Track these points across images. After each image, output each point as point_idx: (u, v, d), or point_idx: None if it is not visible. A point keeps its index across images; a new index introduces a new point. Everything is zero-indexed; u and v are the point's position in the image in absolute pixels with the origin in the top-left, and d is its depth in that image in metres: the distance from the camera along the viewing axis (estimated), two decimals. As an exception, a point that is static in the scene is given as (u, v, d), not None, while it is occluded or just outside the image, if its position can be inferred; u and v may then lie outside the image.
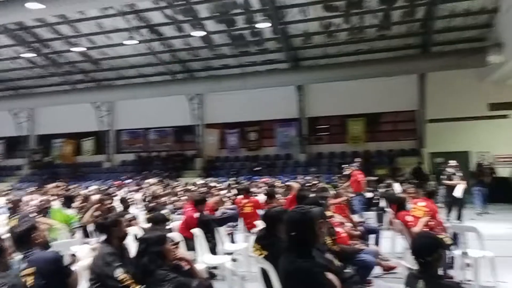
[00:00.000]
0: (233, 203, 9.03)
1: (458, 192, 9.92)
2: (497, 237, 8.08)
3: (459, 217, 10.13)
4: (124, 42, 18.53)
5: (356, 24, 17.40)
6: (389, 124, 20.90)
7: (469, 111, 18.43)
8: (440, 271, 4.15)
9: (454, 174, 10.32)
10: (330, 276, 2.47)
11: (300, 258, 2.44)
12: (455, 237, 5.51)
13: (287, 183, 10.82)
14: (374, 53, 18.67)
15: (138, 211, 7.78)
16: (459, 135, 18.43)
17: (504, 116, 17.97)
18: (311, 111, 21.03)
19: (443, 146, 18.28)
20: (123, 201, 7.66)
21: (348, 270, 4.36)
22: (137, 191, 13.03)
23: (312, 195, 5.80)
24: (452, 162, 11.16)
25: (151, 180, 16.32)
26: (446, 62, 16.59)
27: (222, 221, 6.67)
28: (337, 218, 5.18)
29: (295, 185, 7.93)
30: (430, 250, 2.41)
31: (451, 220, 9.39)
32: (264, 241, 3.35)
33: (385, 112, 20.39)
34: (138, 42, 18.62)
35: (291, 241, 2.47)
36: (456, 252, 5.21)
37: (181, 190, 11.57)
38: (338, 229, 4.84)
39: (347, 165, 12.15)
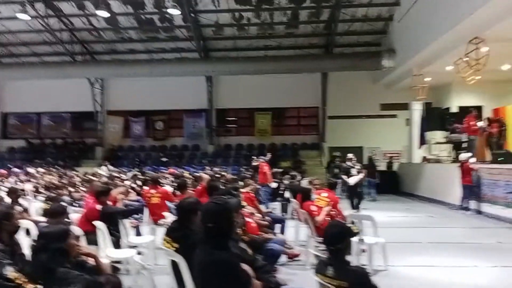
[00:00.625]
0: (138, 194, 8.66)
1: (352, 180, 10.72)
2: (387, 225, 8.93)
3: (357, 207, 11.01)
4: (17, 16, 16.48)
5: (266, 20, 17.82)
6: (294, 119, 21.89)
7: (364, 110, 20.13)
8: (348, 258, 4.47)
9: (353, 167, 11.09)
10: (245, 266, 2.49)
11: (217, 250, 2.41)
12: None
13: (196, 174, 10.70)
14: (282, 49, 19.33)
15: (28, 203, 7.04)
16: (354, 132, 20.03)
17: (393, 116, 19.95)
18: (220, 103, 21.07)
19: (340, 141, 19.71)
20: (12, 192, 6.85)
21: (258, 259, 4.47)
22: (27, 181, 11.78)
23: (223, 186, 5.80)
24: (350, 155, 12.01)
25: (42, 169, 14.92)
26: (346, 63, 17.86)
27: (128, 213, 6.34)
28: (247, 208, 5.26)
29: (205, 176, 7.87)
30: (340, 238, 2.56)
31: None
32: (176, 233, 3.25)
33: (291, 107, 21.30)
34: (30, 18, 16.74)
35: (208, 232, 2.43)
36: (354, 239, 5.65)
37: (80, 181, 10.76)
38: (248, 219, 4.91)
39: (255, 157, 12.48)
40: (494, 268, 5.59)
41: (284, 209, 10.21)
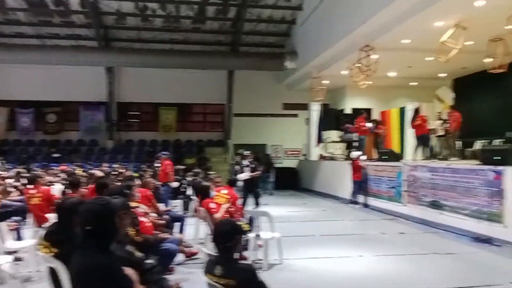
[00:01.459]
0: (21, 194, 7.81)
1: (242, 176, 10.64)
2: (284, 219, 9.32)
3: (257, 203, 11.22)
4: None
5: (172, 13, 17.37)
6: (199, 115, 21.69)
7: (268, 109, 20.73)
8: (236, 255, 4.50)
9: (247, 166, 11.09)
10: (128, 270, 2.34)
11: (96, 253, 2.23)
12: (251, 221, 6.07)
13: (90, 172, 9.98)
14: (189, 44, 19.01)
15: None
16: (259, 130, 20.54)
17: (294, 115, 20.87)
18: (122, 96, 20.00)
19: (245, 138, 20.06)
20: None
21: (150, 261, 4.30)
22: None
23: (116, 184, 5.47)
24: (246, 152, 12.14)
25: None
26: (251, 62, 18.22)
27: (5, 215, 5.66)
28: (142, 208, 5.04)
29: (98, 173, 7.35)
30: (229, 236, 2.54)
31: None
32: (55, 237, 2.96)
33: (197, 103, 21.06)
34: None
35: (87, 235, 2.23)
36: (251, 235, 5.76)
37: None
38: (142, 219, 4.70)
39: (158, 154, 12.04)
40: (376, 257, 6.12)
41: (186, 207, 10.06)
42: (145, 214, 4.92)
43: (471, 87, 15.49)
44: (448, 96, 15.73)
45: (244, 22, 17.73)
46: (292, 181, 17.44)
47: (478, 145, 12.63)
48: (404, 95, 17.54)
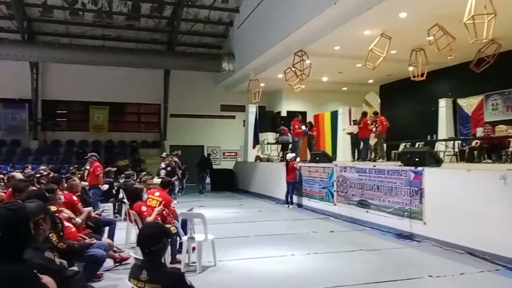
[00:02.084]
0: None
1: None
2: (220, 221, 9.30)
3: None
4: None
5: (104, 8, 16.65)
6: (134, 115, 20.98)
7: (205, 110, 20.60)
8: (163, 259, 4.40)
9: (164, 169, 10.82)
10: (46, 279, 2.19)
11: (8, 263, 2.05)
12: (184, 224, 5.98)
13: (9, 174, 9.23)
14: (122, 41, 18.35)
15: None
16: (196, 131, 20.33)
17: (232, 117, 20.94)
18: (48, 93, 18.79)
19: (182, 139, 19.77)
20: None
21: (74, 268, 4.07)
22: None
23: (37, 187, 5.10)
24: (164, 155, 11.89)
25: None
26: (188, 63, 17.99)
27: None
28: (66, 212, 4.75)
29: (17, 175, 6.81)
30: (155, 240, 2.47)
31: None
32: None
33: (131, 103, 20.36)
34: None
35: (-3, 243, 2.04)
36: (185, 238, 5.67)
37: None
38: (66, 224, 4.43)
39: (87, 155, 11.42)
40: (308, 255, 6.30)
41: (117, 210, 9.67)
42: (70, 219, 4.64)
43: (396, 93, 16.58)
44: (376, 101, 16.70)
45: (181, 22, 17.46)
46: (229, 183, 17.46)
47: (402, 147, 13.55)
48: (336, 99, 18.35)
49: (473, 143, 11.39)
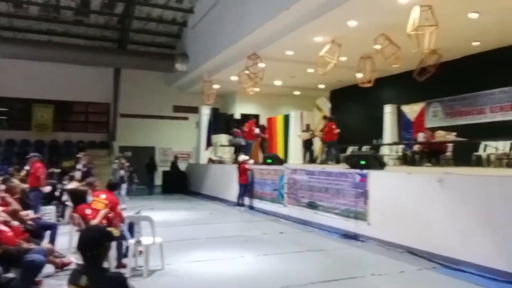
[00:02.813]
0: None
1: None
2: (171, 224, 9.16)
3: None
4: None
5: (51, 2, 15.89)
6: (81, 114, 20.15)
7: (158, 111, 20.19)
8: (108, 264, 4.29)
9: (79, 170, 10.41)
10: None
11: None
12: (131, 227, 5.83)
13: None
14: (70, 37, 17.59)
15: None
16: (147, 132, 19.86)
17: (185, 118, 20.67)
18: (-14, 89, 17.60)
19: (132, 140, 19.24)
20: None
21: (10, 274, 3.85)
22: None
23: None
24: (80, 155, 11.45)
25: None
26: (140, 62, 17.59)
27: None
28: (2, 215, 4.48)
29: None
30: (96, 243, 2.39)
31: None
32: None
33: (78, 101, 19.52)
34: None
35: None
36: (131, 241, 5.53)
37: None
38: (3, 228, 4.19)
39: (28, 156, 10.80)
40: (257, 257, 6.36)
41: (61, 214, 9.23)
42: (6, 223, 4.38)
43: (345, 99, 17.17)
44: (326, 106, 17.16)
45: (133, 19, 17.04)
46: (181, 185, 17.22)
47: (350, 151, 14.03)
48: (288, 103, 18.66)
49: (415, 148, 12.03)
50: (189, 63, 17.17)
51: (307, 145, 13.99)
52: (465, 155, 10.97)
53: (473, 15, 9.25)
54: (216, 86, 16.35)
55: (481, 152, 10.77)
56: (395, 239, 6.72)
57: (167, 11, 17.18)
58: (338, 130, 12.20)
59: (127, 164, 12.20)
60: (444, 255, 5.78)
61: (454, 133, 11.21)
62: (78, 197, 5.78)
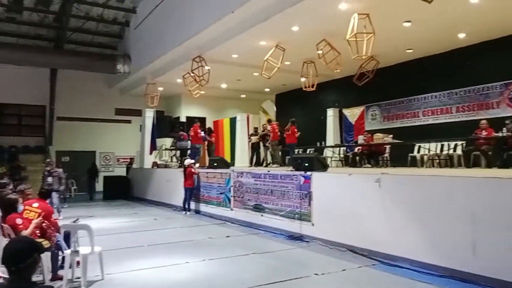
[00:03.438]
0: None
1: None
2: (112, 231, 8.80)
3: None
4: None
5: (-22, -4, 14.77)
6: (13, 117, 18.86)
7: (98, 113, 19.40)
8: (43, 277, 4.01)
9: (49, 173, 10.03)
10: None
11: None
12: (67, 237, 5.50)
13: None
14: (1, 35, 16.39)
15: None
16: (87, 135, 19.00)
17: (128, 121, 20.03)
18: None
19: (71, 145, 18.32)
20: None
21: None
22: None
23: None
24: (47, 160, 11.05)
25: None
26: (79, 62, 16.80)
27: None
28: None
29: None
30: (23, 256, 2.22)
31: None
32: None
33: (10, 103, 18.23)
34: None
35: None
36: (67, 252, 5.22)
37: None
38: None
39: None
40: (202, 262, 6.27)
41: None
42: None
43: (290, 102, 17.52)
44: (272, 109, 17.43)
45: (70, 18, 16.23)
46: (124, 190, 16.61)
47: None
48: (234, 106, 18.73)
49: (356, 150, 12.52)
50: (132, 65, 16.67)
51: (255, 148, 14.10)
52: (401, 156, 11.59)
53: (407, 24, 9.83)
54: (160, 89, 16.02)
55: (415, 153, 11.43)
56: (337, 239, 6.93)
57: (107, 10, 16.56)
58: (299, 133, 12.45)
59: (57, 170, 11.52)
60: (382, 252, 6.04)
61: (391, 135, 11.81)
62: (8, 206, 5.36)
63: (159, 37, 13.82)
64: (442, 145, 10.69)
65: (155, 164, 15.87)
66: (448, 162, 10.35)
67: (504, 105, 11.01)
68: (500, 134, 9.32)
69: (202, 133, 13.91)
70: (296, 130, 12.51)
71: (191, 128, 13.49)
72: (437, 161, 10.52)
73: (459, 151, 10.33)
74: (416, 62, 12.75)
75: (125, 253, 6.86)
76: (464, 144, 10.20)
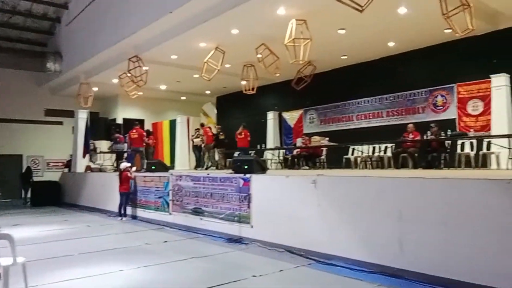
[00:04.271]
0: None
1: None
2: (39, 240, 8.22)
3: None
4: None
5: None
6: None
7: (25, 114, 18.11)
8: None
9: None
10: None
11: None
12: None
13: None
14: None
15: None
16: (12, 138, 17.67)
17: (59, 123, 18.90)
18: None
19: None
20: None
21: None
22: None
23: None
24: None
25: None
26: (4, 59, 15.65)
27: None
28: None
29: None
30: None
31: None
32: None
33: None
34: None
35: None
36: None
37: None
38: None
39: None
40: (137, 269, 6.04)
41: None
42: None
43: (231, 105, 17.55)
44: (213, 112, 17.35)
45: (-6, 11, 15.05)
46: (54, 196, 15.61)
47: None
48: (174, 108, 18.41)
49: (295, 152, 12.82)
50: (63, 63, 15.77)
51: (197, 150, 13.93)
52: (337, 158, 12.06)
53: (341, 31, 10.25)
54: (95, 89, 15.32)
55: (350, 155, 11.94)
56: (275, 240, 7.02)
57: (36, 4, 15.52)
58: (249, 138, 12.55)
59: None
60: (318, 251, 6.21)
61: (327, 138, 12.25)
62: None
63: (93, 35, 13.20)
64: (374, 148, 11.27)
65: (88, 168, 15.10)
66: (379, 163, 10.93)
67: (428, 110, 11.85)
68: (425, 137, 10.01)
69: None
70: (248, 133, 12.58)
71: (133, 130, 12.89)
72: (370, 162, 11.07)
73: (389, 153, 10.95)
74: (351, 68, 13.35)
75: (53, 263, 6.43)
76: (394, 147, 10.83)
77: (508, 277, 4.09)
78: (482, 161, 9.57)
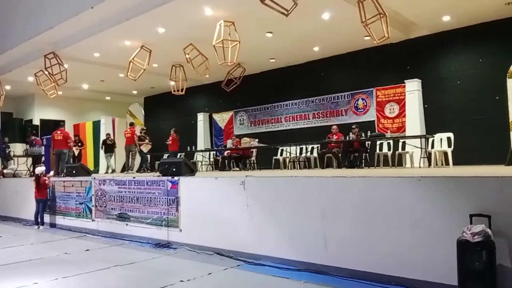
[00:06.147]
0: None
1: None
2: None
3: None
4: None
5: None
6: None
7: None
8: None
9: None
10: None
11: None
12: None
13: None
14: None
15: None
16: None
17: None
18: None
19: None
20: None
21: None
22: None
23: None
24: None
25: None
26: None
27: None
28: None
29: None
30: None
31: None
32: None
33: None
34: None
35: None
36: None
37: None
38: None
39: None
40: (55, 281, 5.61)
41: None
42: None
43: (159, 106, 17.09)
44: (140, 113, 16.77)
45: None
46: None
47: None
48: (98, 109, 17.52)
49: (225, 153, 12.81)
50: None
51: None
52: (267, 159, 12.26)
53: (269, 35, 10.45)
54: (7, 87, 14.06)
55: (279, 156, 12.19)
56: (205, 243, 6.93)
57: None
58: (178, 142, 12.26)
59: None
60: (247, 252, 6.24)
61: (257, 140, 12.41)
62: None
63: (4, 29, 12.09)
64: (301, 148, 11.63)
65: (0, 173, 13.81)
66: (307, 163, 11.30)
67: (351, 113, 12.50)
68: (347, 138, 10.53)
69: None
70: (175, 137, 12.29)
71: (58, 131, 11.91)
72: (297, 163, 11.40)
73: (315, 153, 11.36)
74: (279, 71, 13.66)
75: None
76: (319, 147, 11.26)
77: (420, 267, 4.41)
78: (398, 160, 10.29)
